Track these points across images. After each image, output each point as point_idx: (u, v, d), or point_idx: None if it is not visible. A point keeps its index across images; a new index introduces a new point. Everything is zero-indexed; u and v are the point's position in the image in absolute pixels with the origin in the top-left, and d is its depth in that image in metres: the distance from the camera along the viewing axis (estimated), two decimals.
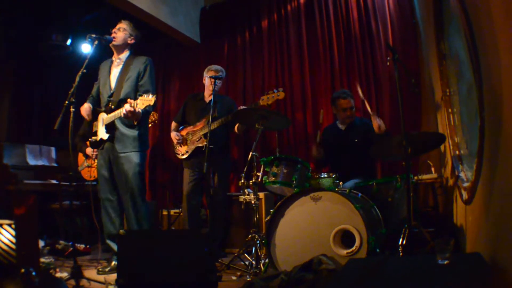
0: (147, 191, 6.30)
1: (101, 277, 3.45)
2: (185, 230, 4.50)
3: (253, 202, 3.77)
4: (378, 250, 3.12)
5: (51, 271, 3.61)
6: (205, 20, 6.60)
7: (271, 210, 3.51)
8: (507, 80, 1.82)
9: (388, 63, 3.43)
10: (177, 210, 5.51)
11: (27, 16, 6.40)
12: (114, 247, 3.95)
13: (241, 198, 3.96)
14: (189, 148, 4.83)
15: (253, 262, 3.58)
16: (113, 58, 4.22)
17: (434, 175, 4.07)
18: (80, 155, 5.68)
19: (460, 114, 3.46)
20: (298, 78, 5.72)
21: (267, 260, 3.48)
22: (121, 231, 3.01)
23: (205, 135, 4.62)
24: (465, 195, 2.89)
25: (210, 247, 2.94)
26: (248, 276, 3.45)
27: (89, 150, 5.41)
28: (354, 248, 3.09)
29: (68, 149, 3.39)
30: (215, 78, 4.42)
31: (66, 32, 6.57)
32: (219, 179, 4.77)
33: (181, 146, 4.92)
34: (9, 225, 2.99)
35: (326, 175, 3.73)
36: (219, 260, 3.97)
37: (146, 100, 3.61)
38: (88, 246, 4.95)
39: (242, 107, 4.64)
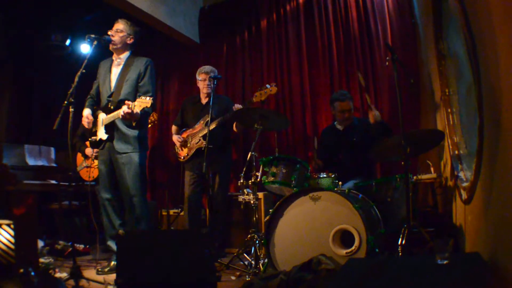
0: (146, 191, 6.31)
1: (100, 277, 3.45)
2: (185, 230, 4.51)
3: (252, 202, 3.77)
4: (377, 250, 3.12)
5: (50, 271, 3.60)
6: (204, 20, 6.60)
7: (270, 210, 3.51)
8: (506, 80, 1.82)
9: (387, 63, 3.42)
10: (176, 210, 5.51)
11: (26, 16, 6.40)
12: (114, 247, 3.94)
13: (240, 198, 3.96)
14: (190, 150, 4.83)
15: (252, 262, 3.59)
16: (113, 58, 4.21)
17: (433, 175, 4.07)
18: (79, 155, 5.68)
19: (459, 114, 3.46)
20: (297, 78, 5.72)
21: (266, 260, 3.48)
22: (121, 231, 3.01)
23: (203, 137, 4.62)
24: (464, 195, 2.89)
25: (209, 247, 2.93)
26: (247, 276, 3.45)
27: (88, 151, 5.41)
28: (353, 248, 3.09)
29: (67, 149, 3.39)
30: (214, 77, 4.42)
31: (65, 32, 6.58)
32: (219, 179, 4.78)
33: (182, 150, 4.92)
34: (8, 225, 2.99)
35: (325, 175, 3.74)
36: (219, 260, 3.96)
37: (143, 102, 3.62)
38: (87, 246, 4.94)
39: (237, 106, 4.64)
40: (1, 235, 3.01)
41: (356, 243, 3.09)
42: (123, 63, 4.13)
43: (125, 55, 4.18)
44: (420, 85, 4.79)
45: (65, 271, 3.59)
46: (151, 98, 3.66)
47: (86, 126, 4.08)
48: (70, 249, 4.51)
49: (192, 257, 2.84)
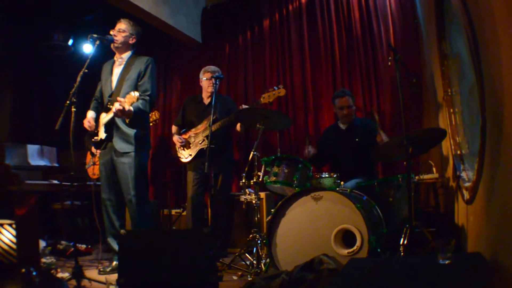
0: (148, 191, 6.31)
1: (102, 277, 3.45)
2: (187, 230, 4.51)
3: (254, 202, 3.77)
4: (379, 250, 3.11)
5: (52, 271, 3.61)
6: (206, 20, 6.60)
7: (272, 210, 3.51)
8: (509, 80, 1.82)
9: (389, 63, 3.42)
10: (178, 210, 5.51)
11: (28, 16, 6.41)
12: (115, 246, 3.94)
13: (242, 198, 3.96)
14: (192, 151, 4.83)
15: (254, 262, 3.59)
16: (115, 58, 4.21)
17: (435, 175, 4.07)
18: (89, 153, 5.69)
19: (461, 114, 3.45)
20: (300, 78, 5.72)
21: (268, 260, 3.48)
22: (122, 231, 3.01)
23: (207, 137, 4.61)
24: (466, 195, 2.89)
25: (211, 247, 2.93)
26: (249, 275, 3.45)
27: (94, 149, 5.42)
28: (355, 248, 3.09)
29: (69, 149, 3.39)
30: (216, 77, 4.41)
31: (68, 32, 6.60)
32: (221, 179, 4.78)
33: (184, 150, 4.92)
34: (10, 225, 3.00)
35: (327, 175, 3.73)
36: (220, 260, 3.96)
37: (131, 98, 3.63)
38: (89, 246, 4.94)
39: (244, 106, 4.63)
40: (3, 235, 3.02)
41: (358, 243, 3.08)
42: (124, 62, 4.13)
43: (127, 55, 4.18)
44: (422, 85, 4.78)
45: (67, 271, 3.60)
46: (137, 93, 3.65)
47: (88, 129, 4.09)
48: (72, 249, 4.52)
49: (194, 256, 2.83)
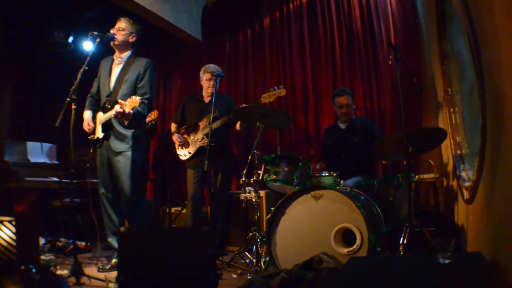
0: (148, 189, 6.32)
1: (101, 275, 3.45)
2: (186, 228, 4.51)
3: (254, 200, 3.77)
4: (379, 249, 3.11)
5: (51, 268, 3.61)
6: (207, 18, 6.60)
7: (272, 208, 3.50)
8: (509, 79, 1.82)
9: (390, 62, 3.43)
10: (178, 208, 5.51)
11: (28, 13, 6.40)
12: (115, 243, 3.96)
13: (242, 196, 3.95)
14: (192, 149, 4.83)
15: (254, 260, 3.59)
16: (115, 57, 4.21)
17: (435, 174, 4.07)
18: None
19: (461, 113, 3.45)
20: (300, 76, 5.71)
21: (267, 258, 3.49)
22: (122, 228, 3.01)
23: (207, 135, 4.61)
24: (466, 195, 2.89)
25: (211, 245, 2.93)
26: (248, 274, 3.46)
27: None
28: (355, 246, 3.09)
29: (69, 146, 3.39)
30: (217, 76, 4.41)
31: (68, 30, 6.58)
32: (221, 177, 4.78)
33: (183, 148, 4.92)
34: (10, 222, 3.00)
35: (327, 174, 3.73)
36: (220, 258, 3.96)
37: (132, 102, 3.64)
38: (88, 244, 4.95)
39: (244, 105, 4.63)
40: (3, 232, 3.02)
41: (358, 242, 3.08)
42: (123, 62, 4.13)
43: (126, 54, 4.18)
44: (423, 84, 4.78)
45: (66, 268, 3.60)
46: (139, 98, 3.67)
47: (86, 130, 4.11)
48: (72, 246, 4.52)
49: (193, 255, 2.83)
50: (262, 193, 4.73)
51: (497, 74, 2.01)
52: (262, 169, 3.76)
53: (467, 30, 2.45)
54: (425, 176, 4.07)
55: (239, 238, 4.90)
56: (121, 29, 4.11)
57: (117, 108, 3.72)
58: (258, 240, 3.63)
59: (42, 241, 4.62)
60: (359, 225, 3.10)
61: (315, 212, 3.30)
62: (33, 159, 5.34)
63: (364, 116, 5.10)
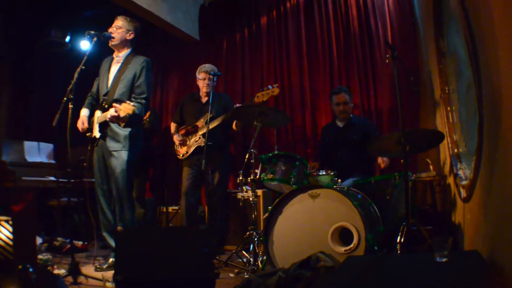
0: (146, 189, 6.31)
1: (98, 274, 3.44)
2: (183, 227, 4.50)
3: (251, 199, 3.77)
4: (376, 247, 3.12)
5: (48, 267, 3.61)
6: (204, 17, 6.60)
7: (269, 207, 3.51)
8: (506, 78, 1.82)
9: (387, 61, 3.41)
10: (175, 207, 5.51)
11: (26, 12, 6.39)
12: (112, 242, 3.95)
13: (239, 195, 3.96)
14: (189, 148, 4.83)
15: (251, 259, 3.59)
16: (114, 56, 4.22)
17: (432, 173, 4.07)
18: None
19: (458, 112, 3.46)
20: (297, 76, 5.72)
21: (265, 257, 3.48)
22: (119, 227, 3.01)
23: (203, 135, 4.61)
24: (463, 193, 2.89)
25: (208, 244, 2.93)
26: (246, 273, 3.45)
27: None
28: (352, 245, 3.09)
29: (66, 146, 3.39)
30: (214, 75, 4.41)
31: (65, 29, 6.57)
32: (218, 176, 4.78)
33: (181, 148, 4.92)
34: (7, 221, 2.99)
35: (324, 173, 3.74)
36: (217, 257, 3.96)
37: (127, 108, 3.65)
38: (85, 243, 4.94)
39: (237, 105, 4.63)
40: (0, 231, 3.01)
41: (355, 240, 3.08)
42: (121, 61, 4.13)
43: (124, 52, 4.18)
44: (420, 83, 4.78)
45: (64, 267, 3.59)
46: (134, 105, 3.70)
47: (80, 129, 4.11)
48: (69, 245, 4.51)
49: (190, 254, 2.83)
50: (259, 192, 4.74)
51: (494, 73, 2.01)
52: (260, 168, 3.76)
53: (464, 29, 2.45)
54: (423, 174, 4.07)
55: (236, 237, 4.90)
56: (118, 27, 4.12)
57: (111, 111, 3.74)
58: (256, 239, 3.63)
59: (39, 240, 4.60)
60: (356, 224, 3.10)
61: (312, 211, 3.30)
62: (30, 158, 5.33)
63: (361, 115, 5.11)
